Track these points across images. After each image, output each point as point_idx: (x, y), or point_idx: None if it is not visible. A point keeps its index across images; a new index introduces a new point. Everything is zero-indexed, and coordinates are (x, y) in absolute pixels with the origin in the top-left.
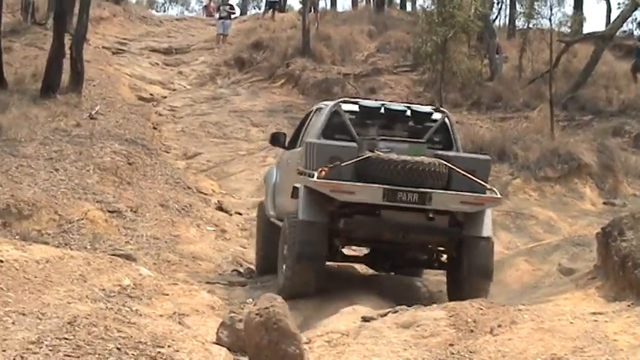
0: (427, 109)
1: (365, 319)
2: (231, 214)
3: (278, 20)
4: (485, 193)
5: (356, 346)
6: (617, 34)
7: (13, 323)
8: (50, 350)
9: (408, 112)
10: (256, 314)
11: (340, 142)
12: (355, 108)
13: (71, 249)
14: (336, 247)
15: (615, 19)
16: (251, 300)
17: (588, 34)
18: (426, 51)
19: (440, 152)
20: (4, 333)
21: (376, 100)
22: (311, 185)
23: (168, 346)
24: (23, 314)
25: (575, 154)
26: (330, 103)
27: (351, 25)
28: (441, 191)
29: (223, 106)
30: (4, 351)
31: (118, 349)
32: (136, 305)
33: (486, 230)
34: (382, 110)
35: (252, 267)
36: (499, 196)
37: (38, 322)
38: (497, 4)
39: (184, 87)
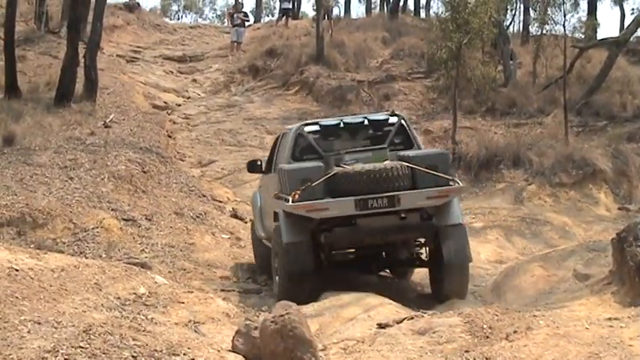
0: (383, 116)
1: (380, 326)
2: (246, 222)
3: (292, 27)
4: (449, 185)
5: (372, 353)
6: (631, 39)
7: (28, 332)
8: (66, 359)
9: (366, 122)
10: (272, 322)
11: (308, 163)
12: (317, 128)
13: (86, 257)
14: (322, 260)
15: (629, 25)
16: (267, 307)
17: (602, 39)
18: (440, 57)
19: (402, 153)
20: (19, 342)
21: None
22: (288, 209)
23: (184, 354)
24: (39, 323)
25: (589, 160)
26: (292, 128)
27: (364, 31)
28: (407, 191)
29: (237, 113)
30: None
31: (133, 357)
32: (152, 313)
33: (456, 218)
34: (342, 125)
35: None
36: (461, 185)
37: (54, 331)
38: (512, 10)
39: (198, 95)
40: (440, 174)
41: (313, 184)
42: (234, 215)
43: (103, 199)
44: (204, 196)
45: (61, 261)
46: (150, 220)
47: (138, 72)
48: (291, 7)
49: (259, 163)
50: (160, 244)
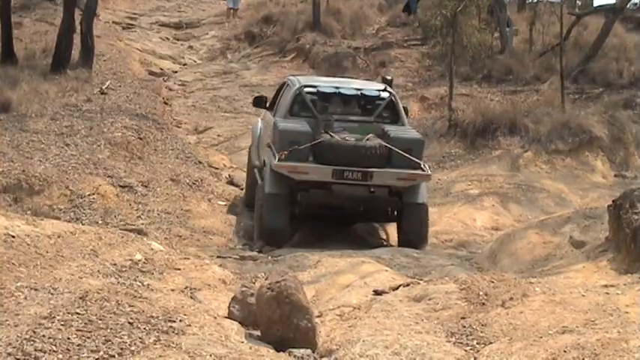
0: (375, 92)
1: (376, 293)
2: (242, 189)
3: None
4: (418, 169)
5: (368, 320)
6: (628, 6)
7: (25, 298)
8: (62, 325)
9: (360, 94)
10: (268, 288)
11: (299, 124)
12: (314, 91)
13: (82, 224)
14: (297, 212)
15: None
16: (263, 274)
17: (599, 6)
18: (434, 24)
19: (386, 128)
20: (16, 308)
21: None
22: (273, 167)
23: (180, 321)
24: (35, 289)
25: (585, 127)
26: (296, 83)
27: None
28: (380, 170)
29: (234, 80)
30: (16, 326)
31: (129, 323)
32: (148, 280)
33: (421, 198)
34: (337, 93)
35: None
36: (429, 172)
37: (50, 297)
38: None
39: (195, 61)
40: (413, 158)
41: (300, 148)
42: (231, 182)
43: (100, 166)
44: (201, 162)
45: (57, 227)
46: (146, 186)
47: (134, 39)
48: None
49: (264, 99)
50: (156, 210)
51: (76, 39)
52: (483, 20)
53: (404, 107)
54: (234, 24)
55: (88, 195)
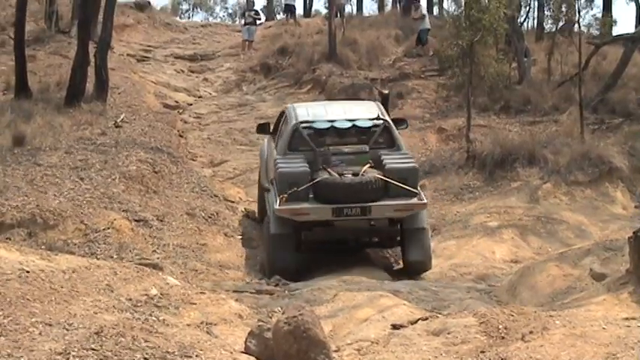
0: (369, 123)
1: (395, 327)
2: (259, 221)
3: (303, 26)
4: (414, 198)
5: (386, 354)
6: None
7: (39, 334)
8: None
9: (353, 126)
10: (285, 323)
11: (297, 164)
12: (310, 126)
13: (97, 259)
14: (303, 248)
15: None
16: (279, 308)
17: (617, 35)
18: (451, 55)
19: (382, 154)
20: (30, 344)
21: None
22: (275, 212)
23: (196, 356)
24: (50, 325)
25: (605, 158)
26: (292, 117)
27: (377, 29)
28: (378, 203)
29: (249, 112)
30: None
31: (145, 359)
32: (164, 315)
33: (421, 222)
34: (332, 128)
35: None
36: (425, 201)
37: (65, 333)
38: (525, 7)
39: (210, 94)
40: (409, 188)
41: (299, 190)
42: (247, 215)
43: (114, 200)
44: (216, 196)
45: (72, 262)
46: (161, 220)
47: (149, 71)
48: (294, 3)
49: (268, 126)
50: (172, 244)
51: (90, 72)
52: (501, 50)
53: (401, 119)
54: (249, 56)
55: (103, 229)
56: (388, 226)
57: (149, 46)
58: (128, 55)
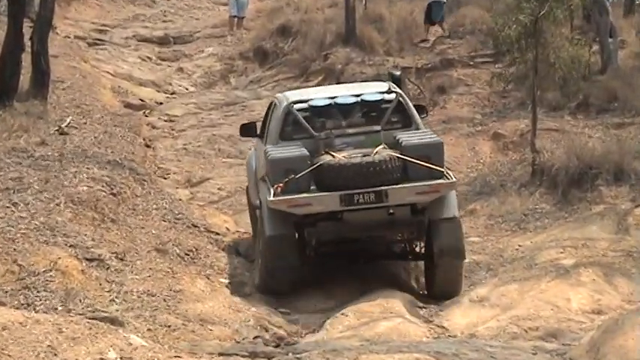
0: (378, 95)
1: None
2: (252, 261)
3: None
4: (442, 178)
5: None
6: None
7: None
8: None
9: (360, 101)
10: None
11: (293, 149)
12: (305, 106)
13: (36, 311)
14: (308, 253)
15: None
16: None
17: None
18: (509, 35)
19: (398, 135)
20: None
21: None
22: (270, 205)
23: None
24: None
25: None
26: (283, 100)
27: (410, 1)
28: (396, 186)
29: (239, 113)
30: None
31: None
32: None
33: (451, 211)
34: (333, 105)
35: (282, 332)
36: (454, 179)
37: None
38: None
39: (186, 89)
40: (433, 166)
41: (297, 177)
42: (237, 252)
43: (59, 232)
44: (195, 226)
45: (2, 317)
46: (122, 259)
47: (104, 59)
48: None
49: (254, 125)
50: (136, 291)
51: (26, 60)
52: (577, 28)
53: (421, 106)
54: (239, 37)
55: (44, 271)
56: (411, 216)
57: (104, 25)
58: (76, 37)
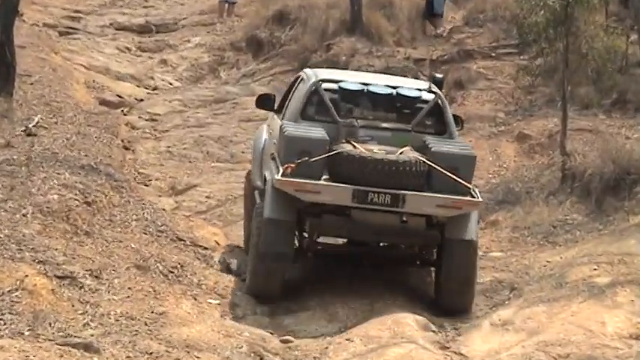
0: (416, 92)
1: None
2: (244, 279)
3: None
4: (467, 196)
5: None
6: None
7: None
8: None
9: (395, 94)
10: None
11: (313, 131)
12: (336, 87)
13: (0, 336)
14: (305, 246)
15: None
16: None
17: None
18: (536, 23)
19: (428, 140)
20: None
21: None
22: (276, 185)
23: None
24: None
25: None
26: (312, 77)
27: None
28: (416, 193)
29: (230, 111)
30: None
31: None
32: None
33: (469, 233)
34: (365, 92)
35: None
36: (480, 199)
37: None
38: None
39: (170, 84)
40: (460, 180)
41: (311, 160)
42: (227, 269)
43: (26, 246)
44: (181, 239)
45: None
46: (97, 277)
47: (77, 50)
48: None
49: (272, 97)
50: (113, 314)
51: None
52: (613, 15)
53: (456, 116)
54: (230, 25)
55: (9, 291)
56: (425, 229)
57: (77, 11)
58: (45, 25)
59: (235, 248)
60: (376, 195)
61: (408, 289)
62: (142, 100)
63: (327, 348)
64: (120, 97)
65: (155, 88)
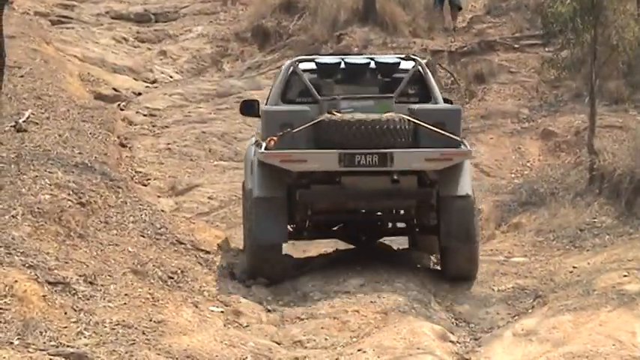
0: (394, 59)
1: None
2: (249, 286)
3: None
4: (458, 147)
5: None
6: None
7: None
8: None
9: (373, 65)
10: None
11: (294, 106)
12: (313, 66)
13: None
14: (299, 223)
15: None
16: None
17: None
18: (561, 12)
19: (414, 107)
20: None
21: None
22: (261, 158)
23: None
24: None
25: None
26: (288, 63)
27: None
28: (403, 150)
29: (234, 107)
30: None
31: None
32: None
33: (464, 188)
34: (343, 65)
35: None
36: (469, 148)
37: None
38: None
39: (170, 77)
40: (448, 133)
41: (294, 131)
42: (231, 274)
43: (15, 250)
44: (181, 243)
45: None
46: (92, 283)
47: (71, 40)
48: None
49: (257, 103)
50: (109, 322)
51: None
52: None
53: (447, 100)
54: (234, 14)
55: None
56: (418, 188)
57: None
58: (37, 13)
59: (240, 252)
60: (363, 157)
61: (424, 297)
62: (139, 94)
63: (337, 359)
64: (116, 90)
65: (154, 82)
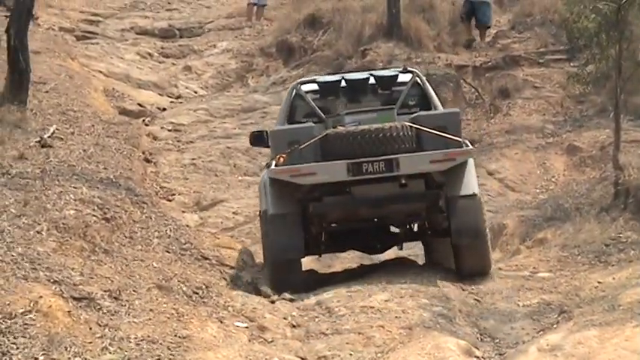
0: (392, 72)
1: None
2: (273, 301)
3: None
4: (460, 148)
5: None
6: None
7: None
8: None
9: (372, 80)
10: None
11: (298, 125)
12: (315, 87)
13: None
14: (315, 237)
15: None
16: None
17: None
18: (585, 27)
19: (415, 114)
20: None
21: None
22: (271, 175)
23: None
24: None
25: None
26: (292, 86)
27: None
28: (407, 154)
29: (259, 121)
30: None
31: None
32: None
33: (469, 187)
34: (343, 83)
35: None
36: (470, 147)
37: None
38: None
39: (195, 92)
40: (449, 136)
41: (301, 147)
42: (255, 289)
43: (40, 265)
44: (206, 258)
45: None
46: (116, 298)
47: (96, 56)
48: None
49: (265, 134)
50: (134, 337)
51: (1, 57)
52: None
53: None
54: (259, 29)
55: (22, 313)
56: (425, 190)
57: (96, 14)
58: (62, 29)
59: (264, 267)
60: (370, 164)
61: (448, 312)
62: (164, 109)
63: None
64: (141, 106)
65: (179, 97)
